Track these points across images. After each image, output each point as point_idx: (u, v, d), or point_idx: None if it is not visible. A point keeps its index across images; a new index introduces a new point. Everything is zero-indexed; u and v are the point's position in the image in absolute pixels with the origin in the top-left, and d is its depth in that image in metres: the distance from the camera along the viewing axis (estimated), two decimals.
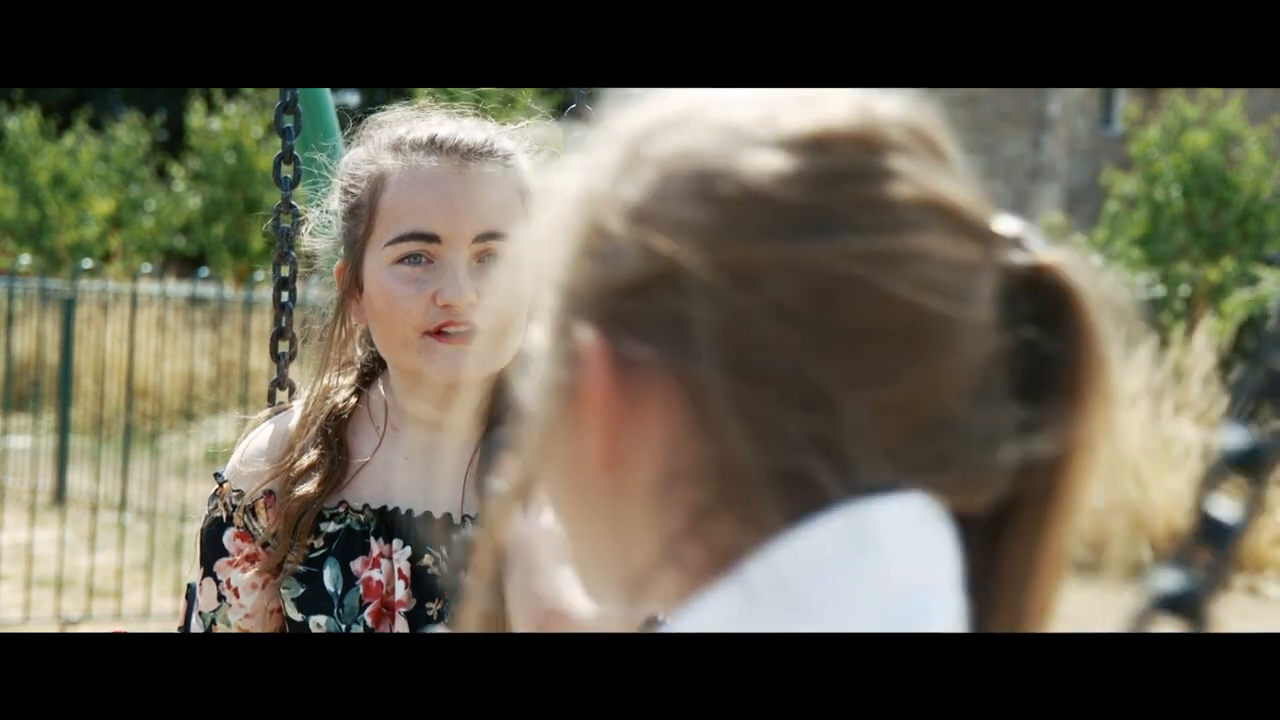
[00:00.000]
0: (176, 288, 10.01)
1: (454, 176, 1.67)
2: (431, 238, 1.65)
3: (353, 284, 1.71)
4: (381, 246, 1.67)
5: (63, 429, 10.21)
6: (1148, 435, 10.30)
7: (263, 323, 9.96)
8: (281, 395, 1.94)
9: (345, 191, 1.73)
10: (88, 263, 9.88)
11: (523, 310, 1.69)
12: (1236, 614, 9.04)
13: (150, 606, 7.17)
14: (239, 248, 17.79)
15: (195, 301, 9.28)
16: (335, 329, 1.77)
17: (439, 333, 1.65)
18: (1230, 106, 14.36)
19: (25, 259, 17.44)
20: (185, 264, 21.80)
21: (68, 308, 10.29)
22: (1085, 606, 9.44)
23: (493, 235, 1.66)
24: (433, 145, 1.69)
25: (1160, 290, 13.58)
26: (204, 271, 9.46)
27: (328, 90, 2.44)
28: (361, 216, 1.70)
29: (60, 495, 10.12)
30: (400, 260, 1.66)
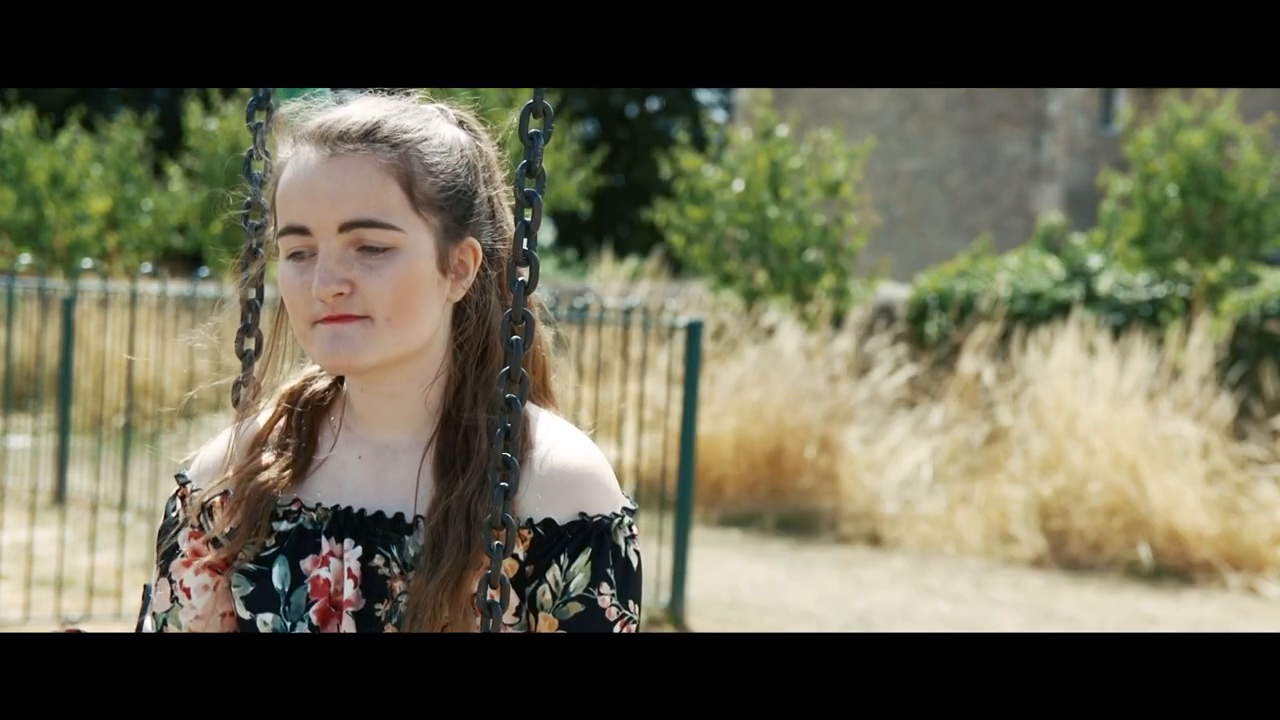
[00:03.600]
0: (175, 287, 9.99)
1: (320, 166, 1.64)
2: (302, 230, 1.63)
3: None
4: (277, 240, 1.67)
5: (63, 429, 10.20)
6: (1146, 434, 10.29)
7: (262, 321, 9.88)
8: (246, 393, 1.90)
9: (267, 186, 1.76)
10: (87, 262, 9.86)
11: (418, 294, 1.67)
12: (1237, 614, 9.03)
13: None
14: (236, 246, 17.80)
15: (194, 300, 9.27)
16: (277, 324, 1.77)
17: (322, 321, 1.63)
18: (1224, 106, 14.35)
19: (25, 259, 17.44)
20: (182, 262, 21.83)
21: (67, 307, 10.28)
22: (1085, 606, 9.42)
23: (356, 224, 1.62)
24: (312, 135, 1.67)
25: (1160, 290, 13.57)
26: (204, 271, 9.43)
27: (328, 90, 2.44)
28: (270, 210, 1.71)
29: (60, 495, 10.12)
30: (289, 254, 1.65)
